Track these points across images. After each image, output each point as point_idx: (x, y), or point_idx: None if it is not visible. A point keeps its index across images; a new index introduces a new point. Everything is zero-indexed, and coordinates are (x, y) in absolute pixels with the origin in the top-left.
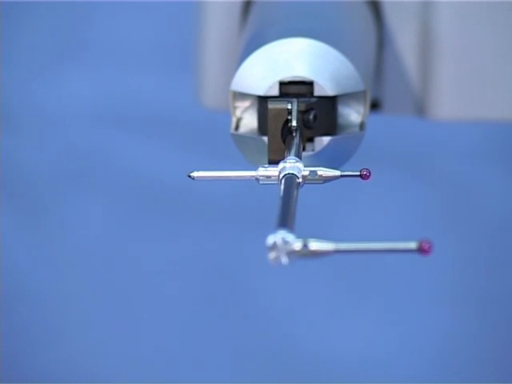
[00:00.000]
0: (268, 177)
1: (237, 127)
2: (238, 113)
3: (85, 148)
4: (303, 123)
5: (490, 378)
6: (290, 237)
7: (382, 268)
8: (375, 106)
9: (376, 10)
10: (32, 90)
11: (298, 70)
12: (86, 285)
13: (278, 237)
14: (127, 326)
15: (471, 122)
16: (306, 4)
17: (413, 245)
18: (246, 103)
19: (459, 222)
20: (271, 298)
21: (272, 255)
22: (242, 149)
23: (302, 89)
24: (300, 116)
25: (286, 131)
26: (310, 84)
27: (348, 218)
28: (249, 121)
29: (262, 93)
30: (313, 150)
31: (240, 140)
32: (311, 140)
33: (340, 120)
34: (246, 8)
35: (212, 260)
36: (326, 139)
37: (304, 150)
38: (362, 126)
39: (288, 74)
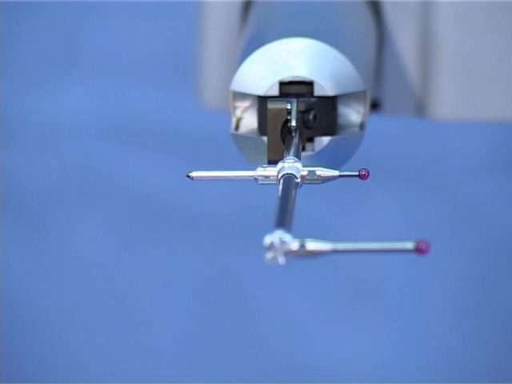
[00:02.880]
0: (267, 177)
1: (237, 127)
2: (238, 113)
3: (83, 162)
4: (303, 123)
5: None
6: (287, 237)
7: (382, 277)
8: (375, 106)
9: (376, 10)
10: (30, 104)
11: (298, 70)
12: (83, 298)
13: (275, 237)
14: (126, 335)
15: (471, 122)
16: (306, 4)
17: (410, 245)
18: (246, 103)
19: (460, 229)
20: (269, 308)
21: (269, 255)
22: (241, 149)
23: (302, 89)
24: (300, 116)
25: (286, 131)
26: (310, 84)
27: (346, 225)
28: (249, 121)
29: (261, 93)
30: (313, 149)
31: (240, 140)
32: (311, 140)
33: (340, 120)
34: (246, 8)
35: (212, 273)
36: (325, 139)
37: (304, 150)
38: (362, 126)
39: (288, 74)
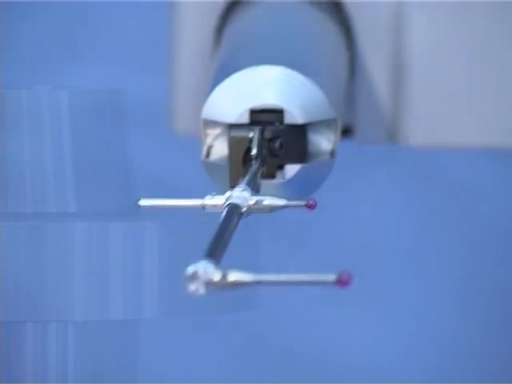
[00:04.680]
0: (214, 205)
1: (208, 154)
2: (209, 140)
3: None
4: (269, 151)
5: (492, 379)
6: (210, 267)
7: (382, 275)
8: (347, 131)
9: (348, 36)
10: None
11: (268, 98)
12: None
13: (198, 267)
14: (125, 329)
15: (443, 148)
16: (277, 29)
17: (332, 277)
18: (217, 130)
19: (459, 222)
20: (269, 307)
21: (192, 286)
22: (212, 176)
23: (273, 117)
24: (266, 144)
25: (248, 159)
26: (281, 112)
27: (345, 218)
28: (220, 148)
29: (232, 120)
30: (283, 177)
31: (211, 167)
32: (282, 168)
33: (310, 147)
34: (219, 32)
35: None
36: (296, 167)
37: (274, 177)
38: (332, 153)
39: (258, 102)
